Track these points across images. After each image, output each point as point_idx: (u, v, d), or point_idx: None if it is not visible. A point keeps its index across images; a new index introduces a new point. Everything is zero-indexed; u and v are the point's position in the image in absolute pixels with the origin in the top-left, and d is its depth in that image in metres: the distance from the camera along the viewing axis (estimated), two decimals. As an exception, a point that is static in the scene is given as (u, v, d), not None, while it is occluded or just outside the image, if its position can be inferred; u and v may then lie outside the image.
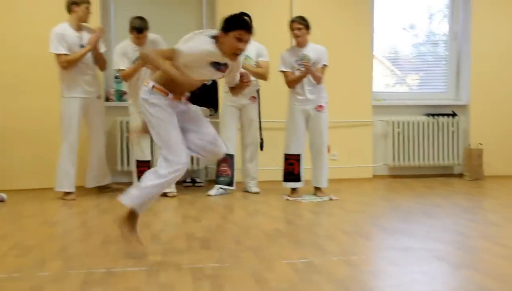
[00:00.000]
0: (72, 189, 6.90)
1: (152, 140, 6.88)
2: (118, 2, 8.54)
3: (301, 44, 6.94)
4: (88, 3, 6.95)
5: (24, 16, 7.76)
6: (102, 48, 7.08)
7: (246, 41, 4.15)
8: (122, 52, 6.96)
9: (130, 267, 3.88)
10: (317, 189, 7.03)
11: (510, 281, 3.52)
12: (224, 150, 4.69)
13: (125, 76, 6.95)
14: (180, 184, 8.00)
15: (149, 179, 4.23)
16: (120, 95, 8.24)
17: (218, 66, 4.23)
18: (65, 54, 6.78)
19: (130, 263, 3.97)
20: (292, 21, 6.93)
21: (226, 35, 4.09)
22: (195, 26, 8.44)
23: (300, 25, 6.86)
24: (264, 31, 7.67)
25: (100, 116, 7.30)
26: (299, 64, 6.86)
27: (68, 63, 6.81)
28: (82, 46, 6.88)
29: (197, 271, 3.76)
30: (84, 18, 6.98)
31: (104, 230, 5.17)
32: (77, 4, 6.88)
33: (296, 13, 8.14)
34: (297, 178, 7.01)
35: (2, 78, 7.69)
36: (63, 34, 6.83)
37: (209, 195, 7.14)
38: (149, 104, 4.21)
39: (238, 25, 4.11)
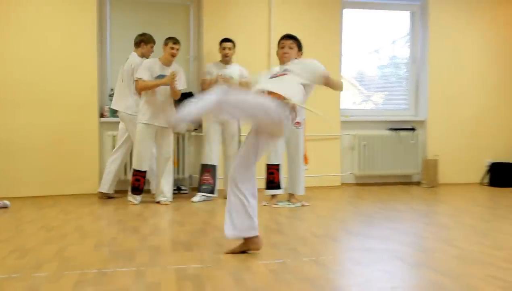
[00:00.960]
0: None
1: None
2: (114, 9, 8.52)
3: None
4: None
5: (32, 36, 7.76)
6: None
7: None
8: (148, 66, 6.97)
9: (120, 267, 3.83)
10: (291, 196, 7.01)
11: (461, 278, 3.51)
12: None
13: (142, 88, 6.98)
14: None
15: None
16: (114, 112, 8.20)
17: None
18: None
19: (120, 264, 3.93)
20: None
21: None
22: (183, 32, 8.58)
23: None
24: (244, 53, 7.78)
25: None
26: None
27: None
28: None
29: (181, 271, 3.73)
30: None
31: (97, 234, 5.13)
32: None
33: (273, 39, 8.21)
34: (277, 186, 6.98)
35: (6, 95, 7.64)
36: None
37: (192, 201, 7.10)
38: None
39: None
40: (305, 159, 7.05)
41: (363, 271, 3.78)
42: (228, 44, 7.23)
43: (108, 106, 8.15)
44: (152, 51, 7.35)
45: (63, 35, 7.91)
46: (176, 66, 7.07)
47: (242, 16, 8.52)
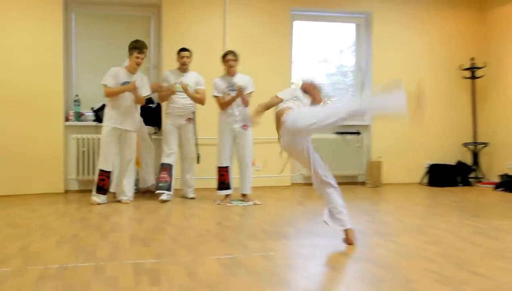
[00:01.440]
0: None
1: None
2: (78, 20, 8.48)
3: (231, 73, 7.00)
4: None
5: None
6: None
7: None
8: (113, 73, 6.91)
9: (80, 262, 3.83)
10: (244, 195, 7.05)
11: (399, 271, 3.59)
12: None
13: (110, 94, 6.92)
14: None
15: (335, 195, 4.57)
16: (79, 116, 8.17)
17: None
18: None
19: (81, 260, 3.92)
20: (226, 54, 6.99)
21: None
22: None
23: (233, 57, 6.94)
24: (200, 62, 7.79)
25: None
26: (230, 90, 6.91)
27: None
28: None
29: (138, 266, 3.74)
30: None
31: (60, 231, 5.08)
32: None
33: (228, 48, 8.24)
34: (227, 186, 7.02)
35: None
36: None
37: (162, 200, 7.05)
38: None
39: None
40: (253, 161, 7.12)
41: (309, 266, 3.85)
42: (186, 53, 7.23)
43: (72, 111, 8.09)
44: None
45: (30, 44, 7.89)
46: (140, 74, 7.05)
47: (199, 28, 8.55)
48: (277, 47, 8.76)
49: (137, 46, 6.90)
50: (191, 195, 7.36)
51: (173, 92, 7.09)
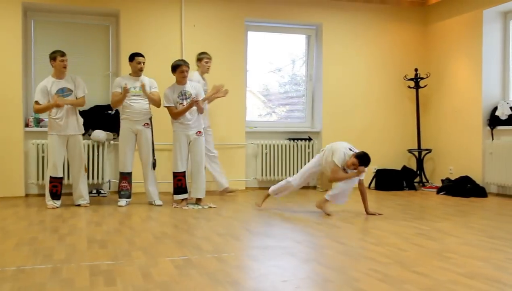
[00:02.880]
0: None
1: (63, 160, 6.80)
2: (37, 28, 8.36)
3: (183, 82, 6.95)
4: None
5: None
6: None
7: None
8: (41, 89, 6.80)
9: (38, 265, 3.78)
10: (198, 199, 7.02)
11: (346, 272, 3.62)
12: None
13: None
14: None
15: None
16: (38, 122, 8.04)
17: None
18: None
19: (38, 262, 3.87)
20: (180, 65, 6.90)
21: None
22: (103, 50, 8.59)
23: (187, 68, 6.90)
24: (158, 69, 7.76)
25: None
26: (181, 99, 6.87)
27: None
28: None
29: (94, 267, 3.70)
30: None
31: (19, 234, 5.00)
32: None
33: (184, 56, 8.24)
34: (184, 191, 6.98)
35: None
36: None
37: (120, 206, 6.97)
38: None
39: None
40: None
41: (260, 266, 3.85)
42: (143, 59, 7.12)
43: (32, 117, 7.97)
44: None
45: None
46: (71, 77, 6.94)
47: (156, 35, 8.52)
48: (232, 56, 8.79)
49: (58, 50, 6.85)
50: (158, 202, 7.13)
51: (125, 96, 6.90)
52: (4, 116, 7.82)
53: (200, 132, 6.95)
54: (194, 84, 7.05)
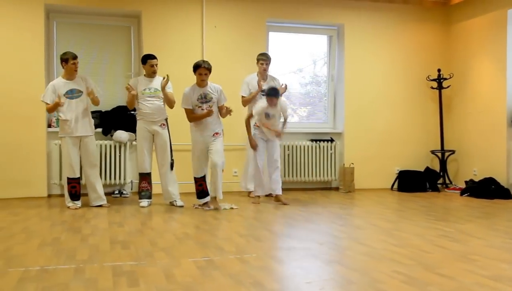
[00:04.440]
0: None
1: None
2: (60, 29, 8.41)
3: (203, 85, 6.81)
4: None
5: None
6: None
7: None
8: (51, 89, 6.82)
9: (61, 265, 3.78)
10: (214, 198, 6.92)
11: (368, 273, 3.58)
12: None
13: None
14: (109, 195, 7.90)
15: None
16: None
17: None
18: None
19: (61, 262, 3.88)
20: (199, 66, 6.71)
21: None
22: (125, 51, 8.61)
23: (205, 71, 6.72)
24: (179, 70, 7.76)
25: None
26: (200, 102, 6.75)
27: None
28: None
29: (117, 268, 3.70)
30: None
31: (42, 234, 5.03)
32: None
33: (205, 57, 8.25)
34: (206, 194, 6.92)
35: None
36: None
37: (142, 206, 6.98)
38: None
39: None
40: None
41: (282, 268, 3.83)
42: (155, 61, 7.08)
43: (55, 117, 8.02)
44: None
45: (12, 52, 7.89)
46: (81, 78, 6.94)
47: (178, 37, 8.55)
48: (254, 57, 8.74)
49: (68, 52, 6.86)
50: (179, 203, 7.10)
51: (132, 95, 6.90)
52: (27, 117, 7.89)
53: (217, 133, 6.85)
54: (216, 86, 6.88)
